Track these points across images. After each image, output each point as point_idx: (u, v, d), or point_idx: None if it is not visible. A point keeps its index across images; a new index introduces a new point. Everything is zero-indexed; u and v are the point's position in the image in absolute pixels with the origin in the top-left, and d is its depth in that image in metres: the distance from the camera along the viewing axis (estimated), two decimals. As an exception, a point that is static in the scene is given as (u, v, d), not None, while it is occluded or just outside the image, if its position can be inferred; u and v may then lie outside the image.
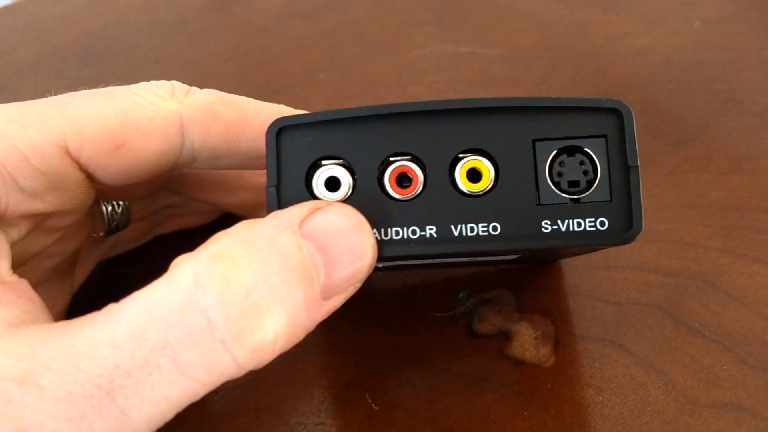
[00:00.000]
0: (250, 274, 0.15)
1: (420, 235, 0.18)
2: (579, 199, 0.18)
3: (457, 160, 0.18)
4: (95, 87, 0.20)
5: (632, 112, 0.18)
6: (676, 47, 0.34)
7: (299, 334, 0.16)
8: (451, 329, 0.24)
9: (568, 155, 0.18)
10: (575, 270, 0.26)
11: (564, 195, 0.18)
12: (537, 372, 0.23)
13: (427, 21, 0.38)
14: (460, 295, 0.25)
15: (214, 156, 0.20)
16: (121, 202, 0.24)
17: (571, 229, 0.18)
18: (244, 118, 0.20)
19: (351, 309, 0.25)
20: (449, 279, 0.26)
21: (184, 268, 0.15)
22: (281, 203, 0.18)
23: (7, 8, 0.43)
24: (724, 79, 0.32)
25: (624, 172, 0.18)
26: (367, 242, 0.17)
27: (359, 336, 0.25)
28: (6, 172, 0.17)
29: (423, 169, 0.18)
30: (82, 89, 0.20)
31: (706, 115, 0.31)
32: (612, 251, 0.26)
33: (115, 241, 0.26)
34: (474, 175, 0.19)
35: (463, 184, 0.18)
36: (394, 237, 0.18)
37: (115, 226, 0.24)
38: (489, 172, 0.18)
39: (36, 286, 0.18)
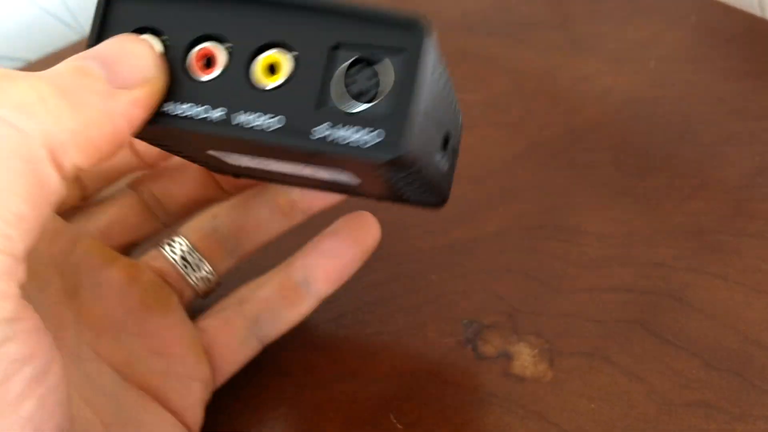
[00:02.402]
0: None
1: (207, 116, 0.19)
2: (359, 111, 0.18)
3: (260, 50, 0.19)
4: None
5: (432, 36, 0.18)
6: (635, 86, 0.39)
7: (103, 123, 0.18)
8: (460, 353, 0.28)
9: (366, 65, 0.18)
10: (563, 294, 0.29)
11: (346, 105, 0.18)
12: (537, 387, 0.27)
13: (412, 71, 0.42)
14: (464, 322, 0.29)
15: None
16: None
17: (345, 139, 0.18)
18: None
19: (371, 342, 0.29)
20: (453, 309, 0.30)
21: None
22: None
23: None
24: (680, 113, 0.37)
25: (408, 92, 0.17)
26: (142, 44, 0.19)
27: (380, 364, 0.28)
28: None
29: (229, 54, 0.19)
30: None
31: (665, 147, 0.35)
32: (594, 276, 0.30)
33: None
34: (273, 69, 0.19)
35: (260, 74, 0.19)
36: (186, 112, 0.19)
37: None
38: (285, 68, 0.18)
39: None
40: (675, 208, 0.32)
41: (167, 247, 0.27)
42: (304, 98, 0.18)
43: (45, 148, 0.17)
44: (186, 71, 0.19)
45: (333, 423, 0.27)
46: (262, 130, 0.18)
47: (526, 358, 0.28)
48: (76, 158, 0.17)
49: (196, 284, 0.27)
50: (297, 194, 0.28)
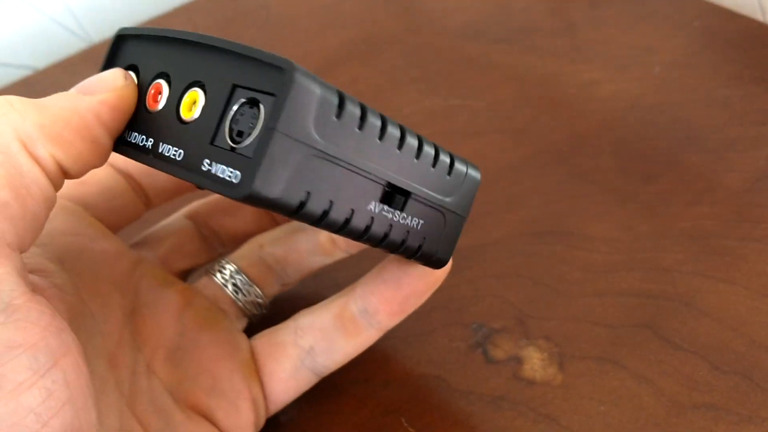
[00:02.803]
0: None
1: (143, 145, 0.21)
2: (234, 148, 0.19)
3: (188, 88, 0.20)
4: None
5: (295, 80, 0.18)
6: (640, 92, 0.39)
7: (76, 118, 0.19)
8: (470, 357, 0.29)
9: (250, 106, 0.19)
10: (572, 299, 0.30)
11: (229, 141, 0.19)
12: (547, 390, 0.27)
13: (417, 78, 0.43)
14: (473, 326, 0.30)
15: None
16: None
17: (218, 173, 0.19)
18: None
19: (382, 347, 0.29)
20: (463, 314, 0.30)
21: None
22: None
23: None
24: (683, 119, 0.37)
25: (268, 132, 0.18)
26: (112, 70, 0.21)
27: (392, 369, 0.29)
28: None
29: (169, 90, 0.21)
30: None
31: (669, 152, 0.35)
32: (602, 281, 0.30)
33: None
34: (193, 106, 0.20)
35: (184, 110, 0.20)
36: (133, 140, 0.21)
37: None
38: (198, 105, 0.20)
39: None
40: (680, 213, 0.32)
41: (218, 274, 0.28)
42: (204, 134, 0.19)
43: (17, 140, 0.18)
44: (145, 105, 0.21)
45: (345, 427, 0.27)
46: (171, 162, 0.20)
47: (535, 362, 0.28)
48: (49, 148, 0.19)
49: (245, 307, 0.28)
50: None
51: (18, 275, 0.18)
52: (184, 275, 0.29)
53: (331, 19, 0.49)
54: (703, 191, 0.33)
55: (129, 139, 0.21)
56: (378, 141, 0.21)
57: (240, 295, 0.28)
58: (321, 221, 0.20)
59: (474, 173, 0.25)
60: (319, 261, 0.29)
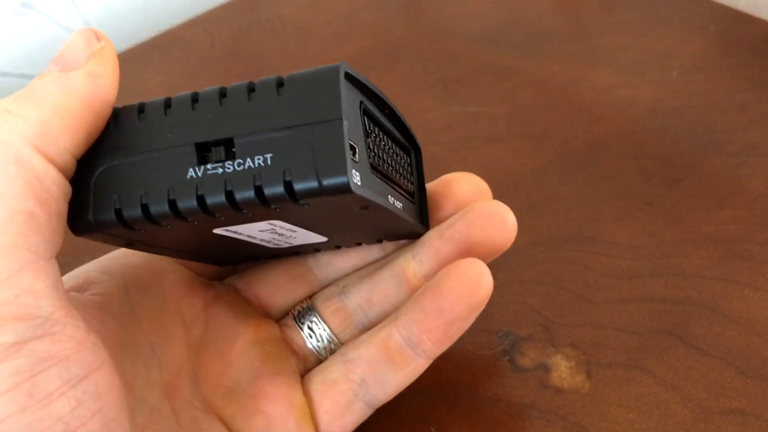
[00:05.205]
0: None
1: None
2: None
3: None
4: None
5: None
6: (658, 96, 0.39)
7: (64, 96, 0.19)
8: (497, 365, 0.29)
9: None
10: (596, 305, 0.30)
11: None
12: (575, 398, 0.27)
13: (434, 85, 0.43)
14: (500, 334, 0.30)
15: None
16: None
17: None
18: None
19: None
20: (488, 322, 0.30)
21: None
22: None
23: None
24: (703, 123, 0.37)
25: None
26: (82, 33, 0.20)
27: (419, 377, 0.29)
28: None
29: None
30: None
31: (691, 156, 0.36)
32: (627, 287, 0.30)
33: None
34: None
35: None
36: None
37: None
38: None
39: None
40: (703, 218, 0.33)
41: (297, 314, 0.28)
42: None
43: (28, 145, 0.18)
44: None
45: (375, 436, 0.28)
46: None
47: (563, 370, 0.28)
48: (62, 143, 0.19)
49: (318, 353, 0.28)
50: (423, 267, 0.27)
51: (55, 288, 0.18)
52: (280, 310, 0.29)
53: (347, 28, 0.50)
54: (726, 196, 0.33)
55: None
56: (165, 117, 0.20)
57: (314, 341, 0.27)
58: (151, 218, 0.20)
59: (322, 72, 0.20)
60: (404, 299, 0.27)
